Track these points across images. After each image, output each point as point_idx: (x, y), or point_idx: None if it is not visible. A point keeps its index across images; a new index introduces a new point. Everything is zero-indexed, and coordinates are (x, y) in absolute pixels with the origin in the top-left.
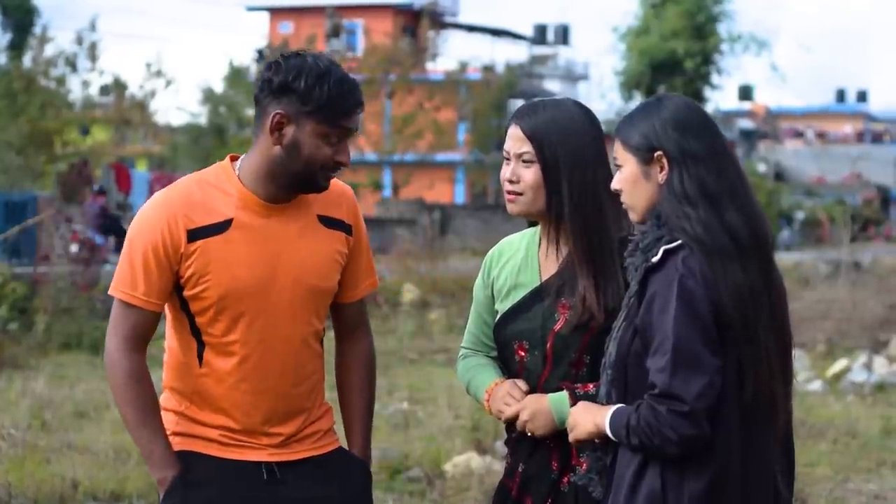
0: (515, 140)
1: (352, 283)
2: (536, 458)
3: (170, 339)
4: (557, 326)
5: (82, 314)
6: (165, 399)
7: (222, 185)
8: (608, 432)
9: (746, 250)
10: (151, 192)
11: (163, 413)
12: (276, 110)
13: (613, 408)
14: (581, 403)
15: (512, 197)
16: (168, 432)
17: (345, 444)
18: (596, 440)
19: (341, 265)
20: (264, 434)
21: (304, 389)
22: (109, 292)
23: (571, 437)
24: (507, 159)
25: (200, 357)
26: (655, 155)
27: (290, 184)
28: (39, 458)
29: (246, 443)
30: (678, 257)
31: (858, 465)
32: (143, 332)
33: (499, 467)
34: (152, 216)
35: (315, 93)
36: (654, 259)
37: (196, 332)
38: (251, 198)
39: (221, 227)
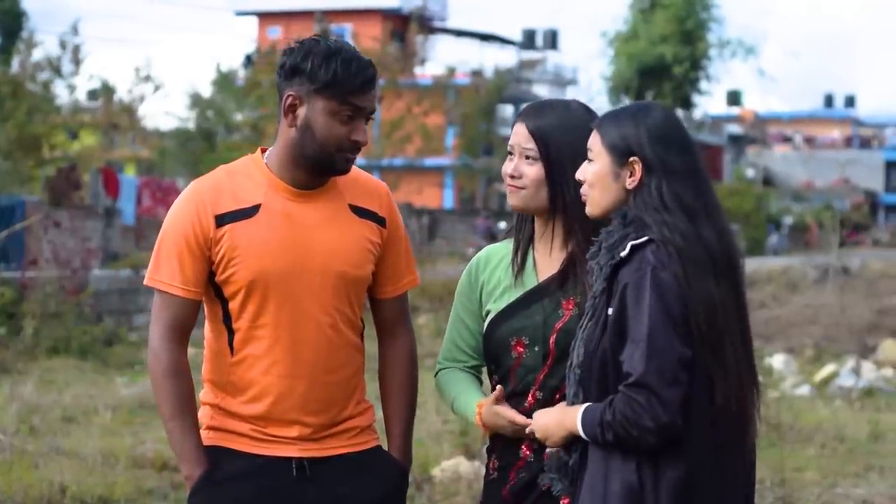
0: (520, 137)
1: (390, 279)
2: (532, 467)
3: (206, 330)
4: (561, 323)
5: (70, 319)
6: (204, 393)
7: (251, 174)
8: (580, 433)
9: (720, 267)
10: (140, 197)
11: (200, 407)
12: (288, 92)
13: (580, 408)
14: (541, 411)
15: (514, 190)
16: (202, 426)
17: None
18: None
19: (374, 255)
20: (297, 422)
21: (338, 378)
22: (146, 283)
23: (548, 444)
24: (511, 154)
25: (231, 345)
26: (630, 160)
27: (312, 167)
28: (27, 462)
29: (277, 438)
30: (646, 250)
31: (846, 470)
32: (184, 323)
33: None
34: (182, 207)
35: (322, 71)
36: (623, 254)
37: (227, 320)
38: (279, 184)
39: (249, 212)
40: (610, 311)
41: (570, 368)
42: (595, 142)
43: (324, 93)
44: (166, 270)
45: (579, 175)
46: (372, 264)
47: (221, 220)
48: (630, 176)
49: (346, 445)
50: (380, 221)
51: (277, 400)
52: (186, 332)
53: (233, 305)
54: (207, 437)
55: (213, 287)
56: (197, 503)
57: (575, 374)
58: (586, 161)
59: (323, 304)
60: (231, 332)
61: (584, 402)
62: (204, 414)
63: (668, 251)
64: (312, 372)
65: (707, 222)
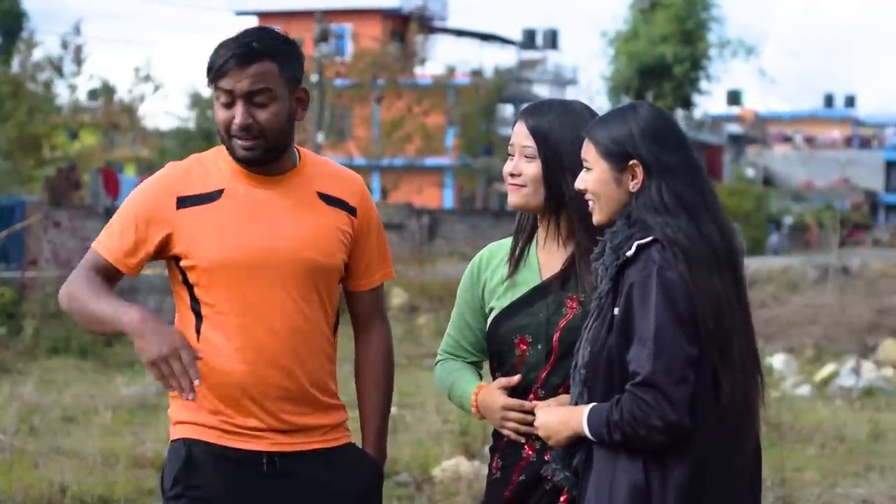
0: (520, 136)
1: (362, 271)
2: (534, 467)
3: (176, 321)
4: (565, 321)
5: (70, 319)
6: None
7: (217, 162)
8: (587, 433)
9: (722, 263)
10: None
11: (171, 402)
12: None
13: (586, 408)
14: (545, 410)
15: (514, 188)
16: (172, 421)
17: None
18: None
19: (345, 244)
20: (264, 412)
21: (307, 369)
22: (92, 246)
23: (550, 443)
24: (511, 154)
25: (199, 332)
26: (630, 163)
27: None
28: (27, 462)
29: (245, 430)
30: (652, 250)
31: (846, 470)
32: (105, 278)
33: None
34: (148, 184)
35: (208, 62)
36: (629, 253)
37: (195, 306)
38: (242, 171)
39: (212, 196)
40: (616, 310)
41: (575, 369)
42: (589, 150)
43: (209, 83)
44: (107, 236)
45: (579, 184)
46: (343, 253)
47: (183, 202)
48: (632, 179)
49: (317, 441)
50: (350, 210)
51: (243, 388)
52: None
53: (198, 291)
54: (177, 431)
55: (179, 272)
56: (173, 496)
57: (580, 375)
58: (584, 170)
59: (290, 293)
60: (199, 319)
61: (589, 402)
62: (174, 409)
63: (674, 252)
64: (279, 361)
65: (708, 218)
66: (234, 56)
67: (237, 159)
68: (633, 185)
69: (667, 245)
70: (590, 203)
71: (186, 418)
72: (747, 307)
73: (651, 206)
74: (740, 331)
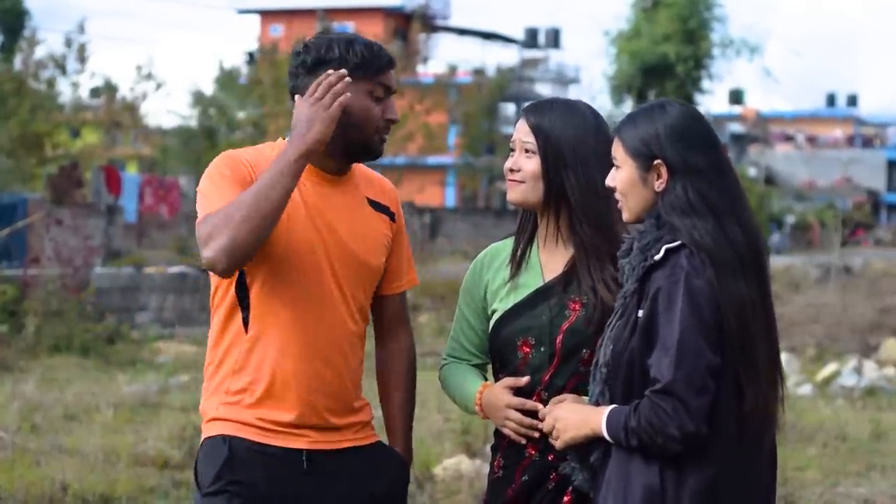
0: (521, 132)
1: (394, 275)
2: (537, 466)
3: (221, 316)
4: (567, 323)
5: (72, 317)
6: (216, 385)
7: None
8: (605, 435)
9: (746, 265)
10: (142, 195)
11: (210, 398)
12: None
13: (607, 409)
14: (564, 405)
15: (513, 184)
16: (206, 418)
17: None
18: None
19: (387, 248)
20: (307, 406)
21: (350, 366)
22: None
23: (560, 443)
24: (513, 150)
25: (246, 323)
26: (655, 163)
27: (347, 152)
28: (29, 460)
29: (285, 429)
30: (681, 255)
31: (848, 469)
32: None
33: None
34: (230, 153)
35: (350, 55)
36: (657, 257)
37: (244, 296)
38: (309, 166)
39: None
40: (640, 313)
41: (597, 367)
42: (617, 149)
43: (356, 74)
44: (219, 198)
45: (609, 182)
46: (385, 256)
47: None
48: (657, 178)
49: (351, 439)
50: (391, 216)
51: (290, 376)
52: None
53: (250, 278)
54: (214, 427)
55: None
56: (214, 492)
57: (601, 373)
58: (613, 168)
59: (342, 290)
60: (246, 310)
61: (609, 401)
62: (208, 406)
63: (701, 258)
64: (328, 356)
65: (733, 220)
66: (390, 58)
67: (374, 151)
68: (658, 185)
69: (694, 251)
70: (619, 201)
71: (223, 415)
72: (771, 309)
73: (678, 206)
74: (764, 335)
